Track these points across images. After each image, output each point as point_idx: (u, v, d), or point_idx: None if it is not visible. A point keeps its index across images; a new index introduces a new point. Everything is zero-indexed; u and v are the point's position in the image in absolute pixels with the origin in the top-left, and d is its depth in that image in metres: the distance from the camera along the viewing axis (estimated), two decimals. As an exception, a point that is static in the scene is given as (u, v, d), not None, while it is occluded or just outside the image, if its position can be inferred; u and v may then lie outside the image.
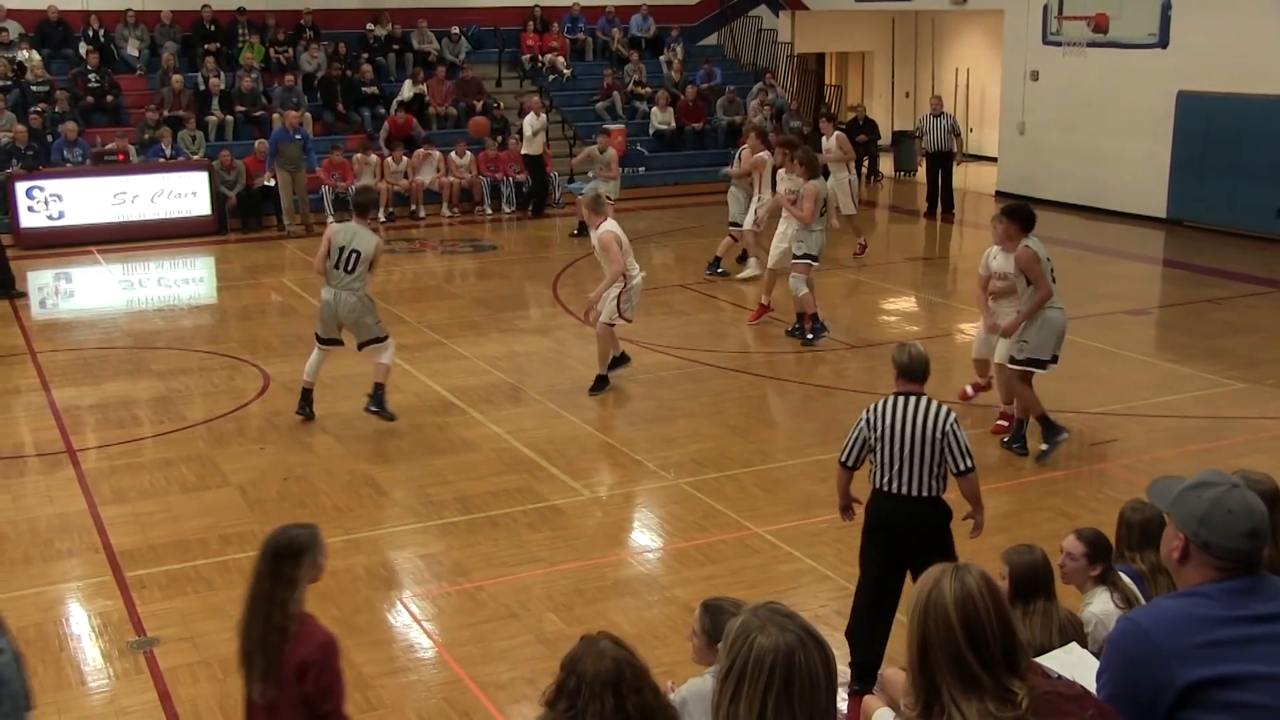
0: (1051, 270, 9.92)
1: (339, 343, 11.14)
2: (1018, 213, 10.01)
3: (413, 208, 21.45)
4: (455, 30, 24.78)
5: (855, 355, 13.27)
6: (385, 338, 11.14)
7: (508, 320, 14.81)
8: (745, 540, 8.59)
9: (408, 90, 23.19)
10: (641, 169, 23.66)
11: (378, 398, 11.07)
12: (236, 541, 8.56)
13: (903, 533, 6.41)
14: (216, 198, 20.10)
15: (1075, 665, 4.16)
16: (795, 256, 13.51)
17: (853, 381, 12.31)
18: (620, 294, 11.56)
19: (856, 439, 6.52)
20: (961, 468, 6.38)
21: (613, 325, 11.78)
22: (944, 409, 6.46)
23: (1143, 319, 14.94)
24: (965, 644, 2.92)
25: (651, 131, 24.43)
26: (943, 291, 16.53)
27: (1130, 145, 20.52)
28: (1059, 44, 16.37)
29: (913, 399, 6.44)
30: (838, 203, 16.72)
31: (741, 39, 28.28)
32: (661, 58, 26.27)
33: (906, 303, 16.10)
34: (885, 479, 6.43)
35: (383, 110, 23.04)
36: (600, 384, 11.88)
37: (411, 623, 7.57)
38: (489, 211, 21.80)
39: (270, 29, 23.54)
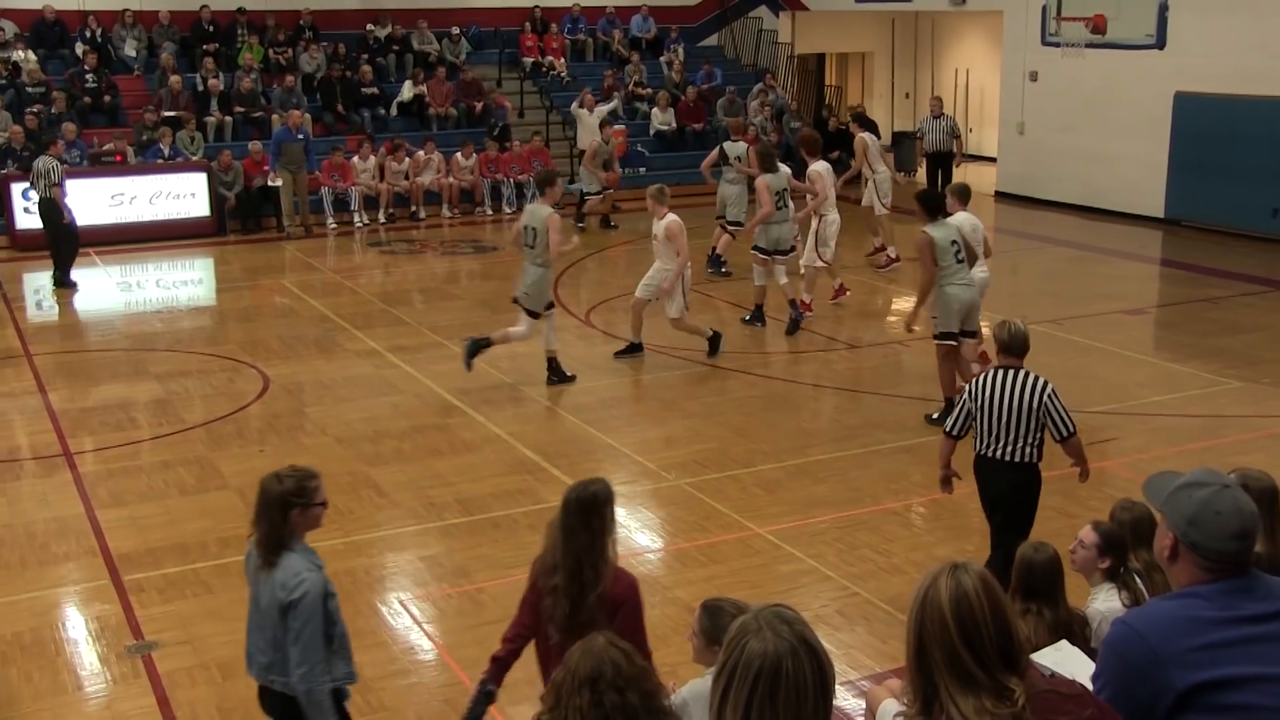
0: (957, 252, 10.40)
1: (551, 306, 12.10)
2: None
3: (413, 209, 21.41)
4: (455, 31, 24.74)
5: (856, 355, 13.23)
6: (537, 315, 11.93)
7: (509, 321, 14.67)
8: (746, 541, 8.55)
9: (408, 91, 23.15)
10: (642, 169, 23.59)
11: (472, 348, 11.93)
12: (235, 544, 8.50)
13: (999, 493, 7.13)
14: (215, 199, 20.05)
15: (1064, 662, 4.15)
16: (752, 248, 14.05)
17: (853, 381, 12.27)
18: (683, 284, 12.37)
19: (962, 412, 7.13)
20: (1064, 433, 7.00)
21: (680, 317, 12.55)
22: (1042, 380, 7.01)
23: (1141, 318, 14.90)
24: (960, 642, 2.93)
25: (652, 132, 24.38)
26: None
27: (1128, 146, 20.48)
28: (1058, 45, 16.35)
29: (1013, 372, 7.01)
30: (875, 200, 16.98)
31: (742, 40, 28.23)
32: (662, 58, 26.22)
33: (906, 303, 16.04)
34: (985, 444, 7.07)
35: (383, 111, 23.00)
36: (633, 350, 12.88)
37: (412, 625, 7.53)
38: (490, 213, 21.75)
39: (270, 30, 23.48)
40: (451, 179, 21.65)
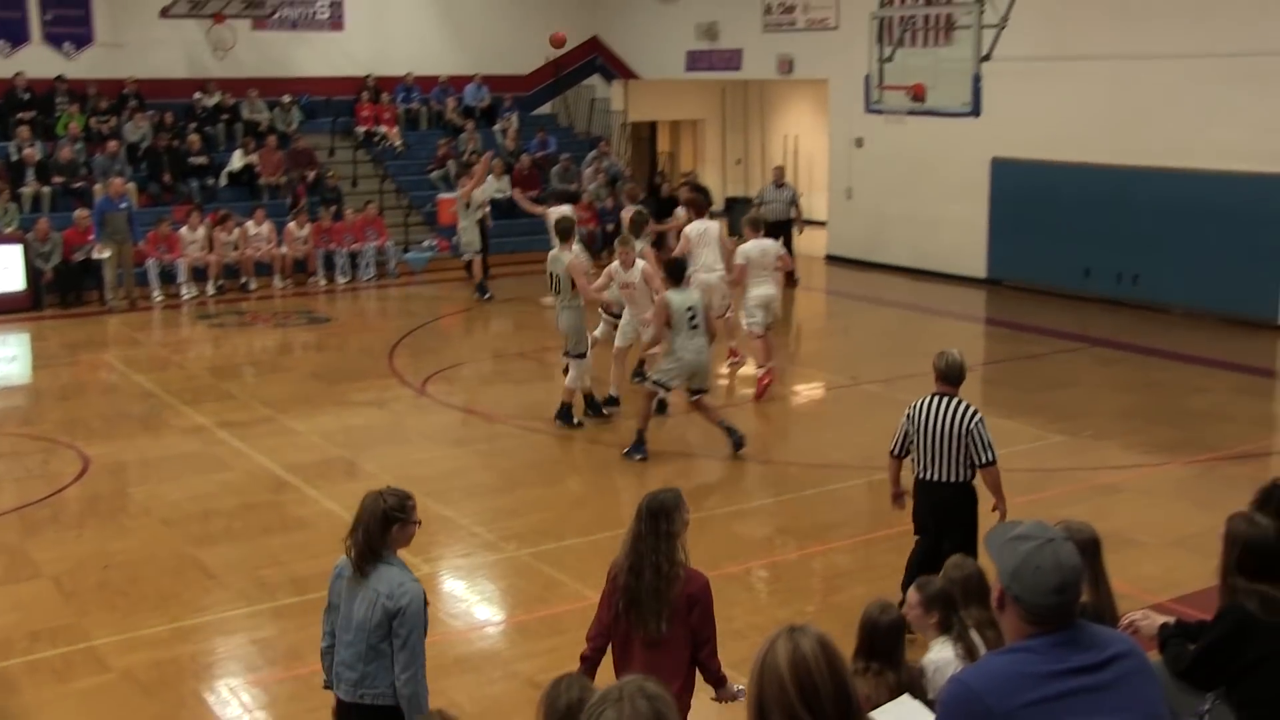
0: (691, 318, 11.39)
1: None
2: (665, 265, 12.23)
3: (243, 280, 20.92)
4: (287, 99, 24.40)
5: (694, 420, 13.26)
6: (584, 355, 12.45)
7: (342, 393, 14.46)
8: (588, 610, 8.32)
9: (238, 160, 22.72)
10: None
11: (563, 412, 12.51)
12: (47, 638, 8.05)
13: (938, 513, 7.57)
14: (31, 272, 19.27)
15: (905, 716, 4.16)
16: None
17: (693, 446, 12.29)
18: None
19: (902, 434, 7.65)
20: (983, 460, 7.48)
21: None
22: (972, 409, 7.52)
23: (969, 376, 15.26)
24: (800, 704, 2.97)
25: (488, 200, 24.28)
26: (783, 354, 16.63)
27: (951, 209, 21.14)
28: (881, 112, 16.83)
29: (947, 399, 7.55)
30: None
31: (575, 108, 28.45)
32: (496, 127, 26.23)
33: (746, 369, 16.22)
34: (922, 467, 7.58)
35: (212, 181, 22.51)
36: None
37: (242, 713, 7.22)
38: (323, 283, 21.39)
39: (91, 98, 22.82)
40: (284, 249, 21.24)
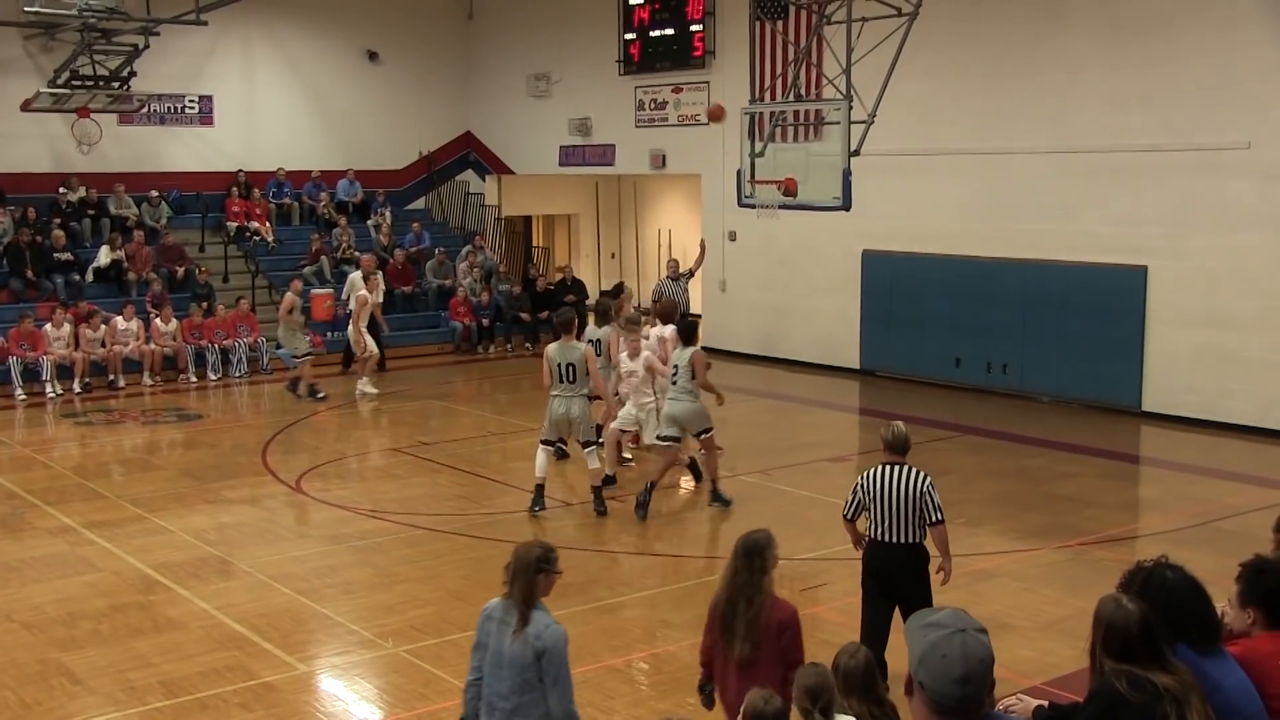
0: (566, 371, 12.68)
1: (556, 444, 13.47)
2: (555, 317, 13.42)
3: (111, 377, 20.53)
4: (155, 194, 24.17)
5: (573, 513, 13.31)
6: (598, 441, 13.23)
7: (215, 491, 14.24)
8: (468, 707, 8.37)
9: (105, 256, 22.40)
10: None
11: (598, 499, 13.06)
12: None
13: (893, 573, 8.12)
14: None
15: None
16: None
17: (572, 539, 12.32)
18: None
19: (854, 501, 8.23)
20: (934, 519, 8.09)
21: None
22: (922, 474, 8.14)
23: (843, 465, 15.56)
24: None
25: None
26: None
27: (823, 301, 21.64)
28: (753, 206, 17.21)
29: (897, 468, 8.16)
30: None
31: (449, 202, 28.62)
32: (369, 221, 26.26)
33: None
34: (879, 531, 8.12)
35: (77, 277, 22.14)
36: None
37: (111, 821, 7.03)
38: (194, 380, 21.09)
39: (-50, 193, 22.39)
40: (153, 345, 20.92)
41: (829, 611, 10.22)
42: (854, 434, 17.79)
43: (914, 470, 8.19)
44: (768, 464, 15.14)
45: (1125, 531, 12.59)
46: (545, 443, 13.06)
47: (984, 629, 3.38)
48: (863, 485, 8.20)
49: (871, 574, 8.27)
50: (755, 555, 6.37)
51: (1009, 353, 19.10)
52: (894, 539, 8.13)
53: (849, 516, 8.42)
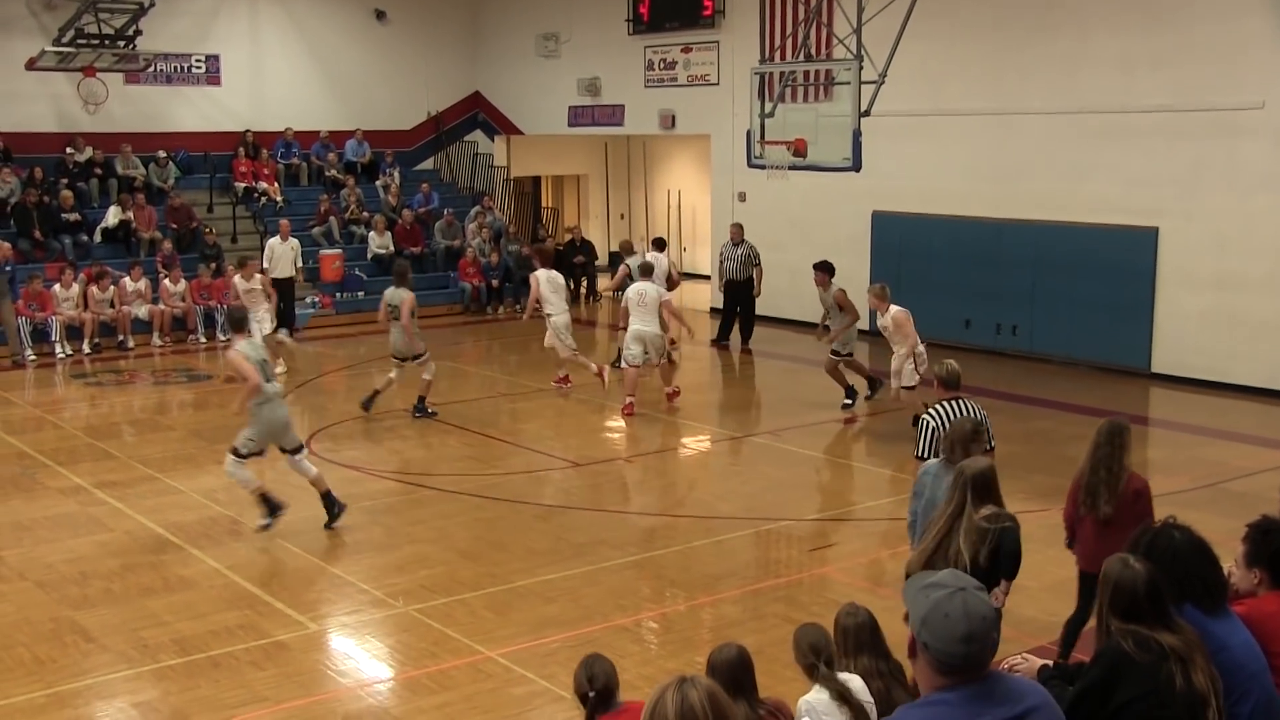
0: (266, 371, 11.19)
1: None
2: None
3: (120, 338, 20.60)
4: (162, 155, 24.15)
5: (581, 474, 13.37)
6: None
7: (224, 451, 14.23)
8: (478, 665, 8.47)
9: (113, 217, 22.41)
10: (360, 294, 23.44)
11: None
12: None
13: None
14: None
15: None
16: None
17: (579, 499, 12.39)
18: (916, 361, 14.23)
19: (930, 438, 8.74)
20: (991, 446, 8.62)
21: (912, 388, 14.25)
22: (978, 405, 9.00)
23: (853, 427, 15.61)
24: None
25: (370, 256, 24.27)
26: (666, 409, 16.83)
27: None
28: (763, 167, 17.16)
29: (956, 401, 8.92)
30: None
31: (458, 163, 28.58)
32: (378, 182, 26.25)
33: (613, 421, 16.42)
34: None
35: (85, 237, 22.18)
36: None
37: (125, 777, 7.13)
38: (203, 340, 21.15)
39: (-45, 153, 22.40)
40: (162, 306, 20.98)
41: (837, 572, 10.29)
42: (863, 395, 17.79)
43: (972, 402, 9.01)
44: (777, 425, 15.19)
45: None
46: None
47: (983, 587, 3.40)
48: (938, 424, 8.79)
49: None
50: (1116, 435, 7.70)
51: (1018, 314, 19.10)
52: None
53: (925, 456, 8.83)
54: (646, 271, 16.42)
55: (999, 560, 6.84)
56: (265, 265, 20.73)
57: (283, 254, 20.80)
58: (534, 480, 13.15)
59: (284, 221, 21.58)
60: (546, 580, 10.03)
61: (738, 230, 20.71)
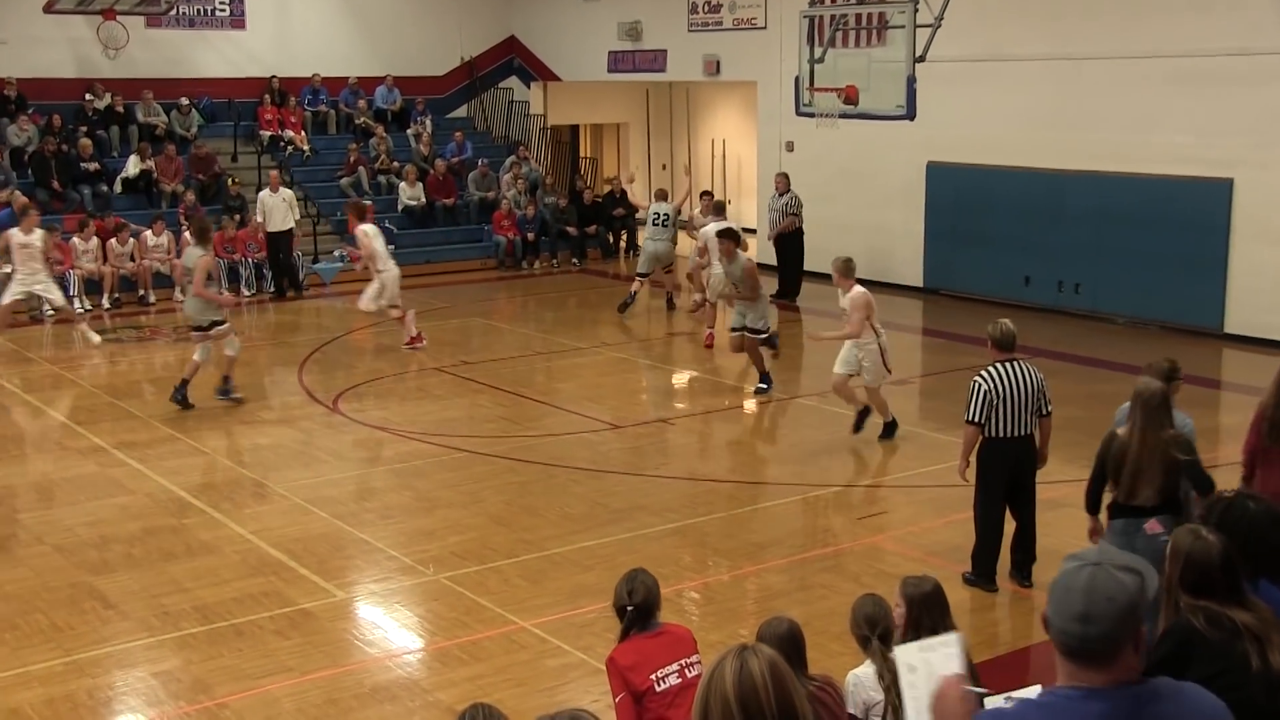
0: None
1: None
2: None
3: (141, 292, 20.70)
4: (185, 102, 24.18)
5: (620, 436, 13.34)
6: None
7: (250, 411, 14.37)
8: (511, 635, 8.47)
9: (133, 166, 22.48)
10: (391, 247, 23.38)
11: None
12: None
13: (1023, 465, 9.00)
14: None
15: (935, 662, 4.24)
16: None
17: (618, 463, 12.35)
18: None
19: (983, 403, 8.77)
20: (1046, 410, 8.99)
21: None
22: (1034, 367, 8.99)
23: (906, 388, 15.47)
24: None
25: (400, 208, 24.28)
26: (710, 369, 16.76)
27: (885, 215, 21.42)
28: (811, 115, 17.01)
29: (1012, 363, 8.88)
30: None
31: (492, 111, 28.48)
32: (409, 131, 26.21)
33: (679, 381, 16.35)
34: (1008, 426, 8.81)
35: (105, 188, 22.26)
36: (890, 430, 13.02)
37: (145, 749, 7.17)
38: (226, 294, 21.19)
39: (-31, 100, 22.48)
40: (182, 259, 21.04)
41: (888, 540, 10.22)
42: (916, 355, 17.66)
43: (1028, 364, 8.98)
44: (824, 387, 15.06)
45: (1204, 460, 12.42)
46: None
47: (1135, 569, 3.04)
48: (990, 386, 8.78)
49: (1001, 470, 8.97)
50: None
51: (1081, 271, 18.86)
52: (1020, 432, 8.88)
53: (976, 420, 8.85)
54: (719, 210, 17.99)
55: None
56: (259, 219, 20.83)
57: (274, 206, 20.91)
58: (570, 442, 13.12)
59: (273, 172, 21.71)
60: (583, 547, 10.01)
61: (783, 180, 20.62)
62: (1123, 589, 2.99)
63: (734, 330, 14.89)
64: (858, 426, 12.88)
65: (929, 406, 14.85)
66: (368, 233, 17.22)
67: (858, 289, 12.91)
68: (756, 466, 12.57)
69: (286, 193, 21.11)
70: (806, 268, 21.02)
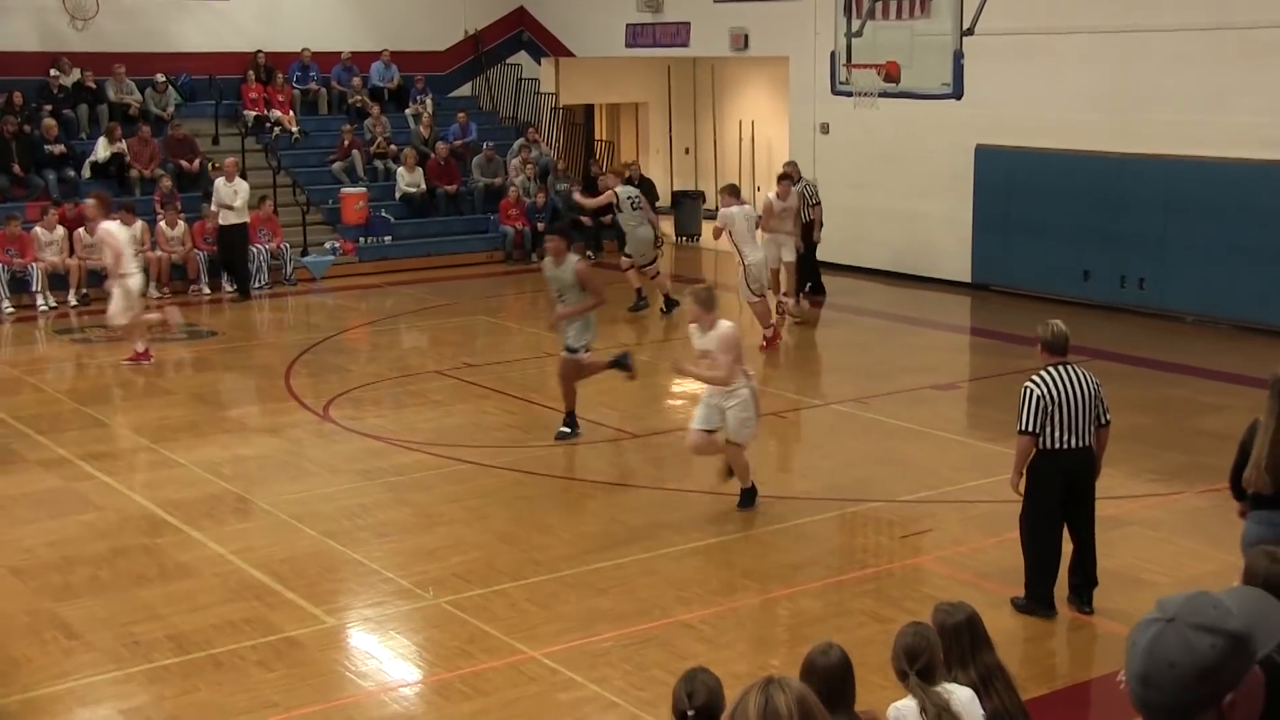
0: None
1: None
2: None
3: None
4: (161, 79, 24.18)
5: (639, 446, 13.27)
6: None
7: (233, 419, 14.36)
8: (518, 666, 8.41)
9: (103, 149, 22.47)
10: (387, 238, 23.45)
11: None
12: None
13: (1082, 477, 8.88)
14: None
15: None
16: None
17: (637, 475, 12.29)
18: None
19: (1037, 410, 8.65)
20: (1105, 420, 8.91)
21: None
22: (1090, 372, 8.88)
23: (952, 393, 15.40)
24: None
25: (398, 195, 24.26)
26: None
27: (930, 204, 21.33)
28: (849, 94, 16.92)
29: (1066, 368, 8.78)
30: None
31: (499, 90, 28.47)
32: (408, 111, 26.20)
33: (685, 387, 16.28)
34: (1065, 437, 8.70)
35: (72, 172, 22.27)
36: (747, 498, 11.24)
37: (113, 792, 7.11)
38: (207, 291, 21.21)
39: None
40: (159, 252, 21.03)
41: (934, 562, 10.14)
42: (964, 357, 17.60)
43: (1082, 369, 8.91)
44: (863, 391, 15.00)
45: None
46: None
47: (1220, 629, 2.83)
48: (1044, 393, 8.68)
49: (1055, 485, 8.83)
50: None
51: (1146, 265, 18.75)
52: (1079, 443, 8.76)
53: (1031, 429, 8.74)
54: (734, 193, 17.66)
55: None
56: (214, 208, 20.70)
57: (226, 197, 20.76)
58: (584, 453, 13.06)
59: (230, 159, 21.56)
60: (597, 569, 9.95)
61: (793, 169, 20.58)
62: (1190, 653, 2.81)
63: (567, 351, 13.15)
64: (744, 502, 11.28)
65: (978, 414, 14.75)
66: (111, 230, 16.39)
67: (725, 324, 11.00)
68: (788, 479, 12.48)
69: (241, 183, 20.95)
70: (836, 260, 20.89)
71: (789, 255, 18.69)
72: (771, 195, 18.79)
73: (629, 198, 19.50)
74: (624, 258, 19.88)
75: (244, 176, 23.16)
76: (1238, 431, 13.23)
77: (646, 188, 25.25)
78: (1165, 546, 10.44)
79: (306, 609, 9.32)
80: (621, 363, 13.60)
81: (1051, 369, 8.81)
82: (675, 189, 29.29)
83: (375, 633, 9.13)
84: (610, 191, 20.02)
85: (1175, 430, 13.55)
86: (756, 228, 17.47)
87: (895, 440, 13.30)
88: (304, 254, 22.41)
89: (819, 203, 20.16)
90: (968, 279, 20.98)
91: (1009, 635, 8.23)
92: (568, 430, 13.20)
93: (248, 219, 21.12)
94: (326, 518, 11.18)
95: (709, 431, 11.09)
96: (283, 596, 9.52)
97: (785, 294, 18.72)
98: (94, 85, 23.70)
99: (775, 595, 9.59)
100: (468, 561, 10.17)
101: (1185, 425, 13.70)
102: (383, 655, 8.79)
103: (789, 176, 19.13)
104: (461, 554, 10.34)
